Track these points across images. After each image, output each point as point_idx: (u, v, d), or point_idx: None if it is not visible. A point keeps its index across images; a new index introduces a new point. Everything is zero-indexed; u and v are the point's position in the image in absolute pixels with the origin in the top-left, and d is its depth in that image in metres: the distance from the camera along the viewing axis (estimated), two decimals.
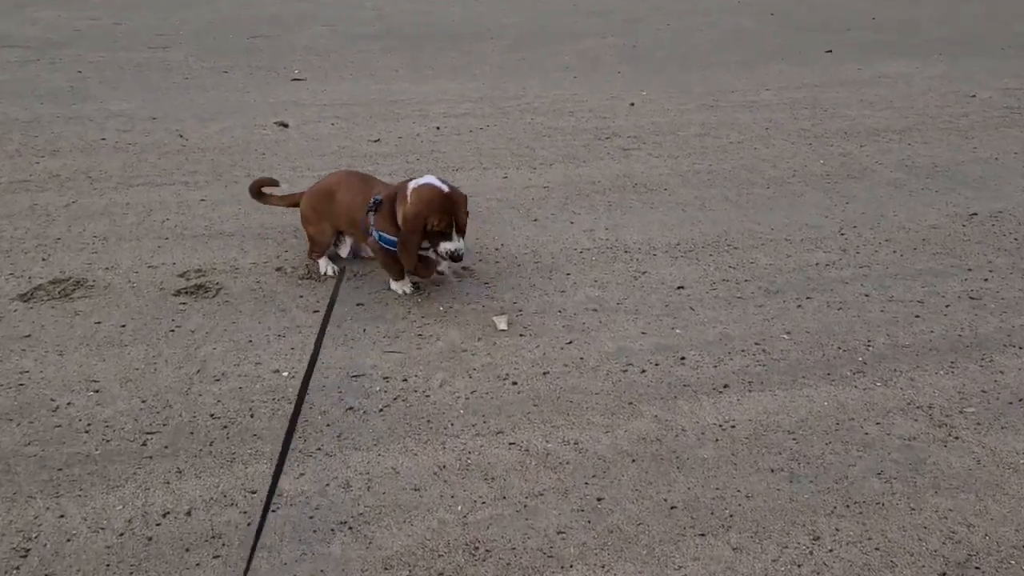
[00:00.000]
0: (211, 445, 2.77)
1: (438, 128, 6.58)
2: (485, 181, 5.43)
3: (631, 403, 3.09)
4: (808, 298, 3.94)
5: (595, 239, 4.57)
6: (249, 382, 3.13)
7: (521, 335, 3.54)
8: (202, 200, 4.90)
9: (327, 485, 2.62)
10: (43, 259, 4.05)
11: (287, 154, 5.82)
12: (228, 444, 2.77)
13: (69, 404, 2.95)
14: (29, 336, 3.38)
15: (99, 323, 3.51)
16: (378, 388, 3.14)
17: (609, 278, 4.10)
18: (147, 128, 6.27)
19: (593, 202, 5.14)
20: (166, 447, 2.74)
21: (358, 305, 3.76)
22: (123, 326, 3.50)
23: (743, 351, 3.45)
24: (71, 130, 6.13)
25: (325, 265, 4.06)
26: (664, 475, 2.70)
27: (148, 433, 2.81)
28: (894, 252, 4.46)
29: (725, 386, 3.20)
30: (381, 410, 3.00)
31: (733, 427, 2.95)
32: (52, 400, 2.97)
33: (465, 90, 7.98)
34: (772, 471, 2.73)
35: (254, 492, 2.57)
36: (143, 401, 2.99)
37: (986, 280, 4.13)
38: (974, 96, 8.05)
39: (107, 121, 6.39)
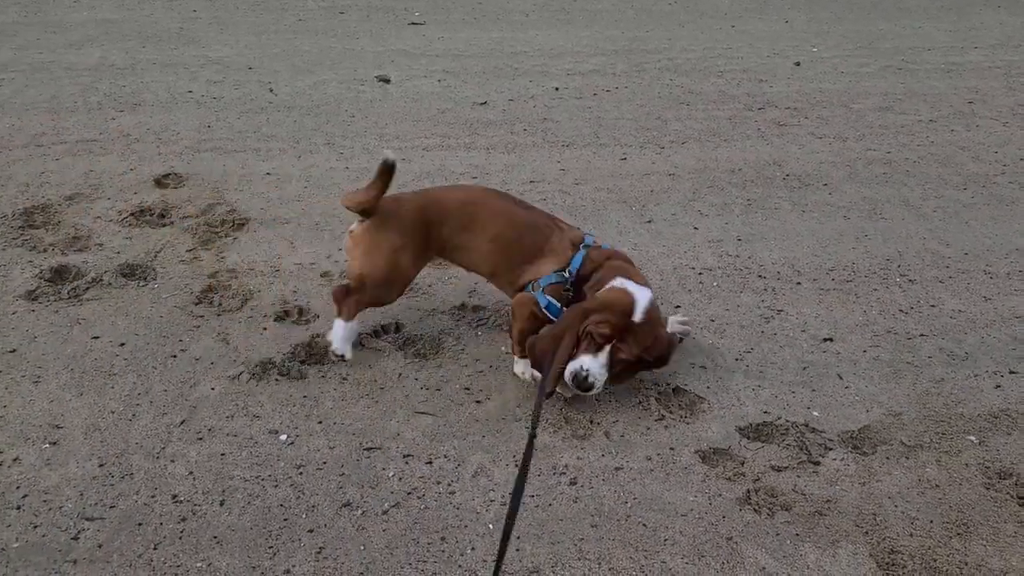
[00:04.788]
0: (154, 549, 2.12)
1: (556, 89, 5.65)
2: (598, 163, 4.48)
3: (730, 539, 2.18)
4: (1013, 372, 2.81)
5: (721, 255, 3.57)
6: (236, 446, 2.47)
7: (599, 400, 2.68)
8: (268, 174, 4.28)
9: None
10: (70, 245, 3.55)
11: (378, 117, 5.10)
12: (175, 549, 2.12)
13: (16, 460, 2.39)
14: (14, 352, 2.86)
15: (96, 339, 2.95)
16: (391, 473, 2.39)
17: (731, 316, 3.13)
18: (238, 79, 5.72)
19: (728, 198, 4.10)
20: (99, 547, 2.12)
21: (399, 326, 3.01)
22: (121, 345, 2.92)
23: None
24: (161, 80, 5.68)
25: (345, 344, 2.85)
26: None
27: (87, 520, 2.20)
28: None
29: (882, 528, 2.21)
30: (386, 512, 2.25)
31: None
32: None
33: (600, 40, 6.94)
34: None
35: None
36: (101, 465, 2.39)
37: None
38: None
39: (201, 70, 5.91)
